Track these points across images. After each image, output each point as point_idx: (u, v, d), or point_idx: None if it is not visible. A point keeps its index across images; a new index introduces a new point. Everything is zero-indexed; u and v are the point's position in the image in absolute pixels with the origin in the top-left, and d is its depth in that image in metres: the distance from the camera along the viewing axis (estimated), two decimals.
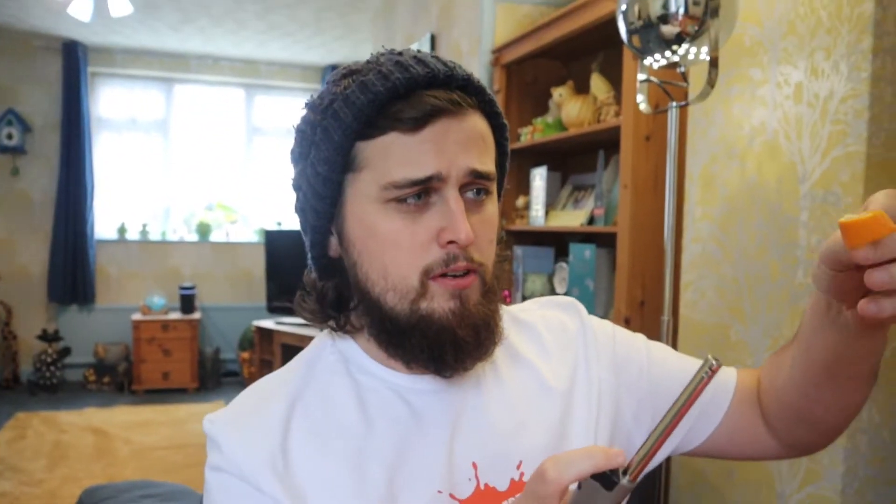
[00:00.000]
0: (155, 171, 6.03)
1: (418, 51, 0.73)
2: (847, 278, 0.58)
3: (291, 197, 0.78)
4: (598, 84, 2.49)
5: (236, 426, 0.71)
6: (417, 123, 0.67)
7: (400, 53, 0.71)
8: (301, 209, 0.77)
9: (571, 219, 2.59)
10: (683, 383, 0.49)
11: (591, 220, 2.48)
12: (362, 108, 0.68)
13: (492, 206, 0.74)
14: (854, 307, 0.60)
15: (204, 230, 6.12)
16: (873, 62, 1.44)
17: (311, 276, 0.80)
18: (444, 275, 0.70)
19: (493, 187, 0.74)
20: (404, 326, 0.71)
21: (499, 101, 2.96)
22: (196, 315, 5.73)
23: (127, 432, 4.36)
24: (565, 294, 2.59)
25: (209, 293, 6.14)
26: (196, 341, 5.65)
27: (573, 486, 0.53)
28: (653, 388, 0.84)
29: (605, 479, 0.50)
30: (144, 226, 5.95)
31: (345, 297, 0.77)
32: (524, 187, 2.94)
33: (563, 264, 2.66)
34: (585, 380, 0.83)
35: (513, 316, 0.88)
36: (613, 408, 0.83)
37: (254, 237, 6.26)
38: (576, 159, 2.93)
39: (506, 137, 0.78)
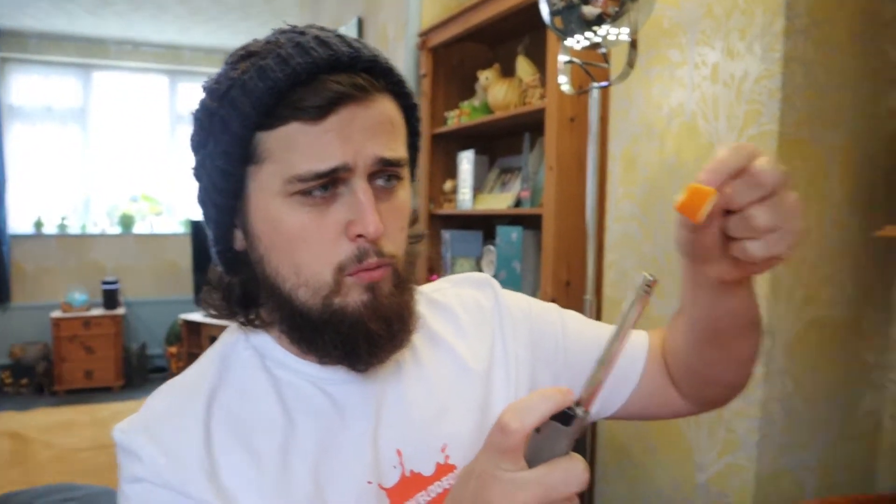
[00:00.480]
0: (73, 162, 5.78)
1: (321, 28, 0.69)
2: (703, 237, 0.60)
3: (194, 186, 0.73)
4: (523, 67, 2.50)
5: (153, 432, 0.67)
6: (320, 112, 0.63)
7: (302, 32, 0.67)
8: (202, 201, 0.73)
9: (499, 202, 2.60)
10: (597, 352, 0.49)
11: (517, 203, 2.49)
12: (261, 97, 0.63)
13: (403, 192, 0.72)
14: (713, 264, 0.63)
15: (127, 222, 5.91)
16: (785, 43, 1.48)
17: (216, 271, 0.76)
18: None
19: (405, 172, 0.71)
20: (317, 322, 0.68)
21: (425, 85, 2.97)
22: (120, 310, 5.54)
23: (47, 435, 4.19)
24: (494, 276, 2.60)
25: (133, 287, 5.94)
26: (121, 337, 5.46)
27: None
28: (568, 360, 0.85)
29: (562, 416, 0.50)
30: (63, 219, 5.71)
31: (252, 293, 0.74)
32: (451, 171, 2.94)
33: (491, 247, 2.67)
34: (503, 357, 0.83)
35: (427, 297, 0.87)
36: (530, 383, 0.83)
37: (179, 228, 6.08)
38: (503, 142, 2.94)
39: (417, 118, 0.76)
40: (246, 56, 0.67)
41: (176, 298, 5.96)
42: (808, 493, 1.59)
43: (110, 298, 5.50)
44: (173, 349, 5.50)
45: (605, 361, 0.50)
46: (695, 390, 0.84)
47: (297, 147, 0.64)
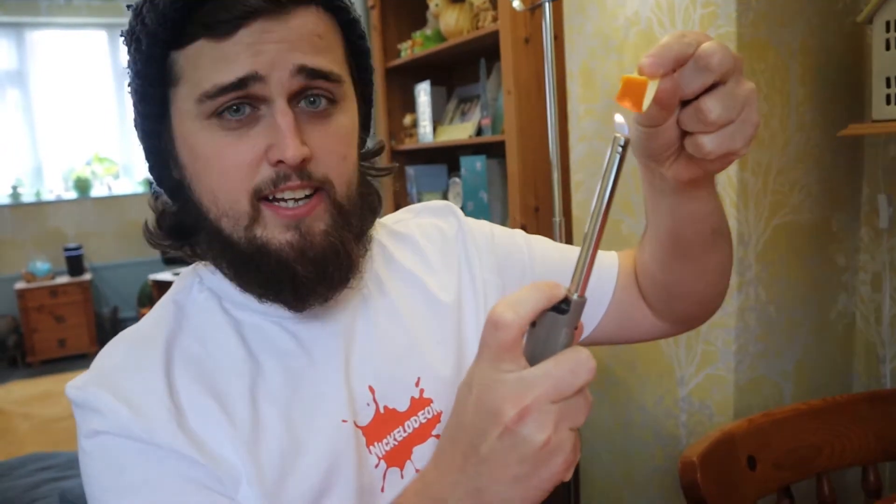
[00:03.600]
0: (18, 127, 5.55)
1: None
2: (660, 133, 0.56)
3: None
4: None
5: (111, 384, 0.63)
6: (229, 27, 0.59)
7: None
8: (135, 125, 0.68)
9: (460, 132, 2.53)
10: (567, 274, 0.46)
11: (479, 132, 2.43)
12: (165, 12, 0.59)
13: (342, 117, 0.66)
14: (670, 164, 0.60)
15: (83, 186, 5.74)
16: None
17: (155, 202, 0.72)
18: (276, 199, 0.63)
19: (341, 93, 0.65)
20: (244, 256, 0.64)
21: (374, 17, 2.84)
22: (87, 276, 5.44)
23: (25, 407, 4.14)
24: (461, 208, 2.56)
25: (98, 252, 5.82)
26: (90, 303, 5.37)
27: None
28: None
29: (555, 307, 0.46)
30: (14, 188, 5.52)
31: (187, 223, 0.69)
32: (410, 105, 2.85)
33: (457, 179, 2.61)
34: (471, 285, 0.81)
35: (389, 229, 0.84)
36: None
37: (139, 188, 5.92)
38: (459, 71, 2.85)
39: (359, 34, 0.69)
40: None
41: (144, 260, 5.84)
42: (787, 399, 1.61)
43: (75, 265, 5.39)
44: (146, 310, 5.43)
45: (590, 236, 0.46)
46: (667, 307, 0.82)
47: (204, 63, 0.60)
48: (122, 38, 0.66)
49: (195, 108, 0.61)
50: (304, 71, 0.61)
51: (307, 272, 0.64)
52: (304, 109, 0.63)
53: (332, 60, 0.64)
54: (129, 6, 0.65)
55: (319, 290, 0.65)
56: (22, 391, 4.50)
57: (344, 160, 0.67)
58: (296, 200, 0.63)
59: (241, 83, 0.59)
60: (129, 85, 0.66)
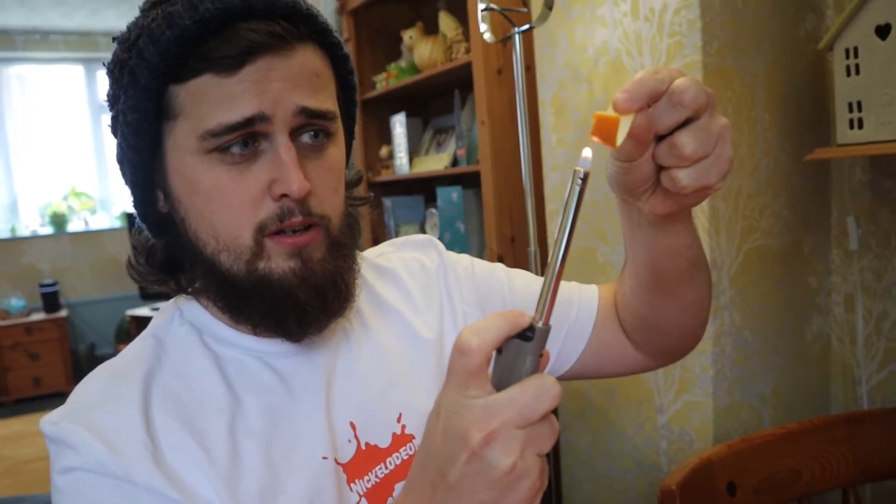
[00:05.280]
0: None
1: None
2: (636, 168, 0.57)
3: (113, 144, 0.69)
4: (446, 22, 2.43)
5: (87, 419, 0.61)
6: (234, 63, 0.59)
7: None
8: (119, 160, 0.68)
9: (435, 163, 2.54)
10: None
11: (454, 162, 2.44)
12: (168, 46, 0.58)
13: (335, 151, 0.67)
14: (646, 198, 0.61)
15: (59, 221, 5.68)
16: None
17: (139, 236, 0.72)
18: (280, 231, 0.63)
19: (335, 128, 0.67)
20: (243, 289, 0.64)
21: (350, 49, 2.85)
22: (62, 313, 5.37)
23: None
24: (438, 239, 2.56)
25: (74, 288, 5.75)
26: (67, 340, 5.30)
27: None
28: None
29: (520, 334, 0.47)
30: None
31: (177, 258, 0.69)
32: (386, 136, 2.86)
33: (433, 210, 2.62)
34: (452, 319, 0.81)
35: (371, 263, 0.84)
36: None
37: (116, 223, 5.87)
38: (434, 103, 2.87)
39: (349, 70, 0.71)
40: (158, 2, 0.62)
41: (121, 295, 5.78)
42: (766, 423, 1.61)
43: (50, 301, 5.32)
44: (123, 347, 5.34)
45: (553, 266, 0.47)
46: (647, 340, 0.83)
47: (209, 100, 0.60)
48: (107, 71, 0.65)
49: (196, 144, 0.61)
50: (305, 112, 0.62)
51: (310, 298, 0.64)
52: (303, 143, 0.64)
53: (327, 98, 0.65)
54: (114, 39, 0.65)
55: (321, 318, 0.66)
56: None
57: (336, 193, 0.68)
58: (294, 231, 0.64)
59: (248, 122, 0.60)
60: (115, 118, 0.66)
